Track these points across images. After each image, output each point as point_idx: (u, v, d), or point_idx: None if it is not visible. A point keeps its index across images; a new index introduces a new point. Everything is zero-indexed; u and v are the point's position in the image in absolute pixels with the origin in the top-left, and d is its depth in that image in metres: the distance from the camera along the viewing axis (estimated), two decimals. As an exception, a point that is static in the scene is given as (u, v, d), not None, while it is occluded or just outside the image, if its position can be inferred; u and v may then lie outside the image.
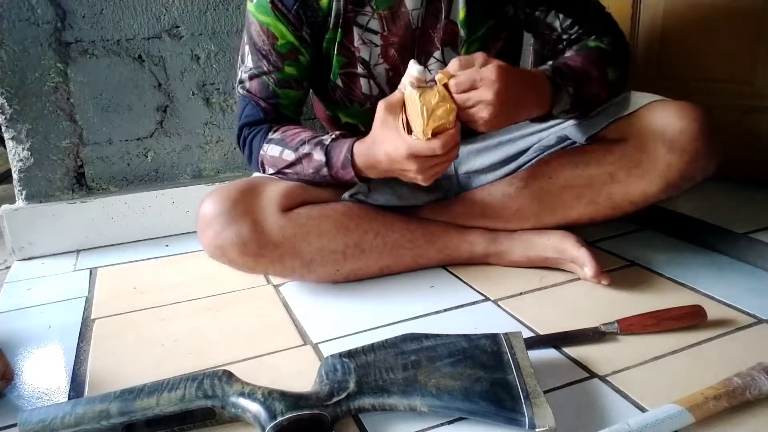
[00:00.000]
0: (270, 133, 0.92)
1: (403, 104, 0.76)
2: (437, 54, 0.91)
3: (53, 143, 1.20)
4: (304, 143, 0.87)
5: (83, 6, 1.15)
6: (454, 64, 0.75)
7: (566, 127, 0.90)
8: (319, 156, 0.86)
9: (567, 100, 0.82)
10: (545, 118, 0.84)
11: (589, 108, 0.88)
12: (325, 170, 0.86)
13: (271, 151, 0.91)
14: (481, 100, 0.73)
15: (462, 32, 0.90)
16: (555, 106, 0.82)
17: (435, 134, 0.73)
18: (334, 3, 0.87)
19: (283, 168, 0.90)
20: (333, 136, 0.87)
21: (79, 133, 1.22)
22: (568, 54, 0.89)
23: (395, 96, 0.78)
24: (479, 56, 0.74)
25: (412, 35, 0.90)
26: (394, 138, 0.76)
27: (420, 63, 0.84)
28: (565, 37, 0.91)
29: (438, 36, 0.90)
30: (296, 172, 0.90)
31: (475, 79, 0.73)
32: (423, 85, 0.74)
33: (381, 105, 0.78)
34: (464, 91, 0.73)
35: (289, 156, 0.89)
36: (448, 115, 0.73)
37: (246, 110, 0.94)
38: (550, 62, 0.85)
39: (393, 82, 0.93)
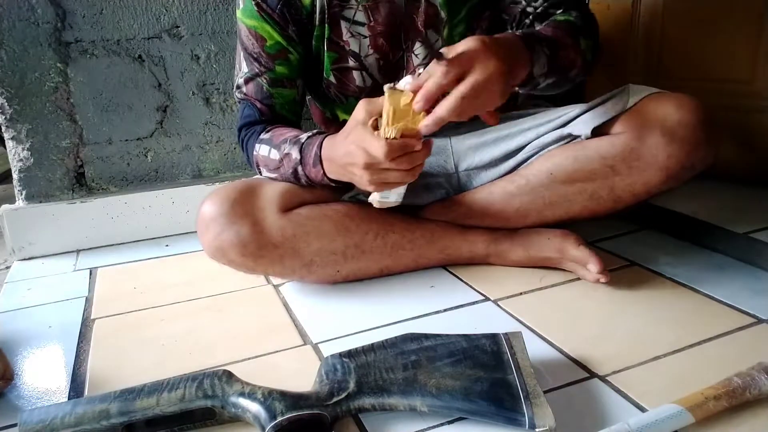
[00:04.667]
0: (262, 134, 0.93)
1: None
2: (421, 37, 0.92)
3: (53, 143, 1.20)
4: (286, 142, 0.88)
5: (83, 6, 1.15)
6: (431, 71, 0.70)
7: (567, 125, 0.90)
8: (295, 154, 0.86)
9: (544, 62, 0.80)
10: (529, 81, 0.80)
11: (567, 76, 0.85)
12: (300, 169, 0.86)
13: (262, 151, 0.91)
14: (488, 72, 0.68)
15: (442, 13, 0.90)
16: (535, 66, 0.78)
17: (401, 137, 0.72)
18: (318, 0, 0.88)
19: (273, 169, 0.91)
20: (310, 134, 0.86)
21: (79, 133, 1.22)
22: (537, 28, 0.88)
23: (379, 99, 0.76)
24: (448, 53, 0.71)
25: (397, 21, 0.91)
26: (358, 134, 0.75)
27: (406, 48, 0.83)
28: (530, 10, 0.90)
29: (421, 20, 0.90)
30: (282, 174, 0.90)
31: (469, 59, 0.69)
32: (399, 89, 0.72)
33: (361, 102, 0.76)
34: (463, 75, 0.69)
35: (275, 156, 0.89)
36: (414, 120, 0.71)
37: (244, 112, 0.96)
38: (519, 31, 0.83)
39: (384, 70, 0.93)
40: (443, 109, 0.69)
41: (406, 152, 0.73)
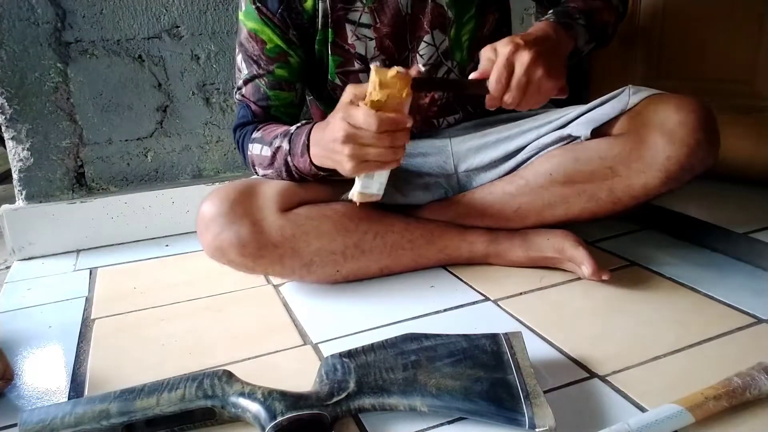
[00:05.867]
0: (254, 133, 0.92)
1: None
2: (427, 38, 0.92)
3: (53, 143, 1.20)
4: (277, 137, 0.88)
5: (83, 6, 1.15)
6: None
7: (567, 126, 0.90)
8: (285, 146, 0.86)
9: (584, 32, 0.85)
10: (576, 53, 0.86)
11: (606, 34, 0.92)
12: (289, 159, 0.86)
13: (254, 150, 0.91)
14: (525, 64, 0.73)
15: (449, 14, 0.91)
16: (578, 40, 0.84)
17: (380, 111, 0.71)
18: (320, 4, 0.88)
19: (267, 166, 0.90)
20: (300, 124, 0.86)
21: (79, 133, 1.22)
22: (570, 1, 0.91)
23: (364, 84, 0.75)
24: (488, 51, 0.76)
25: (403, 22, 0.91)
26: (343, 107, 0.74)
27: (411, 48, 0.85)
28: None
29: (427, 20, 0.91)
30: (276, 170, 0.90)
31: (506, 59, 0.73)
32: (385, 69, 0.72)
33: (349, 86, 0.76)
34: (509, 74, 0.74)
35: (267, 153, 0.89)
36: (399, 91, 0.70)
37: (240, 113, 0.96)
38: (552, 17, 0.86)
39: None
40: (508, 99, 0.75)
41: (391, 128, 0.72)
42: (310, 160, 0.82)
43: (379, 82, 0.70)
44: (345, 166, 0.75)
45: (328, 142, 0.76)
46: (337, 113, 0.76)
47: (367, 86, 0.73)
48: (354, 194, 0.80)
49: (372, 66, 0.72)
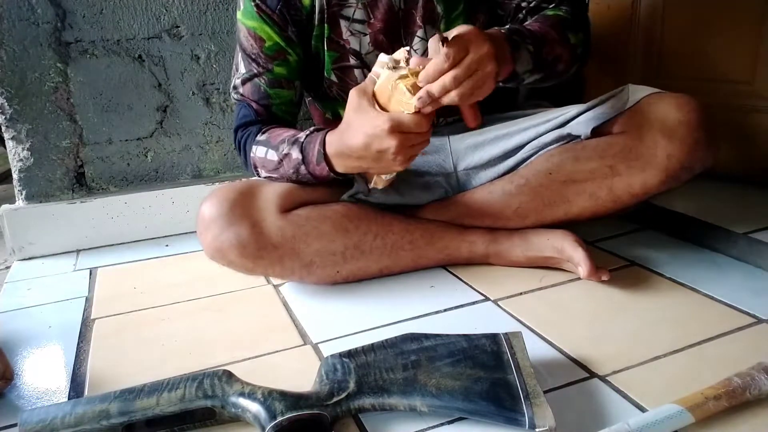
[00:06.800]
0: (258, 135, 0.93)
1: (373, 94, 0.77)
2: (420, 32, 0.92)
3: (53, 143, 1.20)
4: (284, 142, 0.88)
5: (83, 6, 1.15)
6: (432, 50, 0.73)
7: (567, 125, 0.91)
8: (296, 154, 0.86)
9: (528, 59, 0.81)
10: (513, 78, 0.82)
11: (554, 70, 0.87)
12: (303, 168, 0.87)
13: (259, 152, 0.91)
14: (480, 54, 0.70)
15: (439, 9, 0.91)
16: (517, 64, 0.80)
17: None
18: (317, 0, 0.89)
19: (272, 170, 0.91)
20: (308, 132, 0.87)
21: (79, 133, 1.22)
22: (526, 23, 0.89)
23: (367, 83, 0.78)
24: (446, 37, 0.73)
25: (396, 17, 0.91)
26: (373, 117, 0.75)
27: (405, 43, 0.87)
28: (523, 5, 0.92)
29: (419, 15, 0.91)
30: (281, 174, 0.90)
31: (464, 42, 0.70)
32: (397, 67, 0.75)
33: (353, 92, 0.77)
34: (460, 59, 0.71)
35: (273, 157, 0.89)
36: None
37: (240, 113, 0.96)
38: (505, 28, 0.84)
39: None
40: (435, 87, 0.70)
41: (433, 119, 0.75)
42: (330, 168, 0.84)
43: (412, 85, 0.72)
44: (396, 169, 0.80)
45: (370, 155, 0.77)
46: (365, 124, 0.75)
47: (370, 85, 0.76)
48: (379, 182, 0.86)
49: (387, 73, 0.73)
